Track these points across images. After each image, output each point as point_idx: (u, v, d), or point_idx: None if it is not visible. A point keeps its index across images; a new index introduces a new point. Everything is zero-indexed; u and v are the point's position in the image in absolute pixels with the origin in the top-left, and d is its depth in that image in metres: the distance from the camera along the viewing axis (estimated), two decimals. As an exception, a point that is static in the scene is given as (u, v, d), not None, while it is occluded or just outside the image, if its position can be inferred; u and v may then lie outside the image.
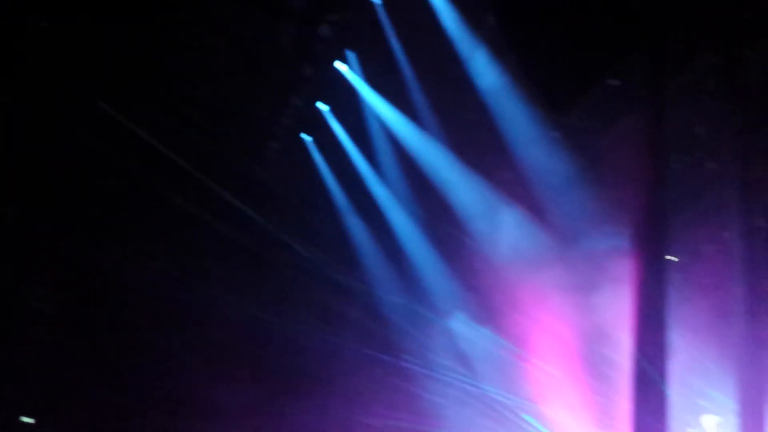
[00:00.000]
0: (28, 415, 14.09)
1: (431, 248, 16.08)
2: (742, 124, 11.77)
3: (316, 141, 16.93)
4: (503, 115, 13.96)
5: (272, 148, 16.87)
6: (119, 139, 13.76)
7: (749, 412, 10.52)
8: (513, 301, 14.14)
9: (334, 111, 16.65)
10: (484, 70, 13.86)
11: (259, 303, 14.71)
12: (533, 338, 14.02)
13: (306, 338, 14.82)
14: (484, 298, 14.90)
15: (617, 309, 11.52)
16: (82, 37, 12.90)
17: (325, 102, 16.56)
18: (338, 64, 15.89)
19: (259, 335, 14.64)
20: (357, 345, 15.69)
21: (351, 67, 16.00)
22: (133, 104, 13.91)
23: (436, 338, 15.69)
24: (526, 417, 14.00)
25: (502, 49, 13.39)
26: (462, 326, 15.56)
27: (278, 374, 14.68)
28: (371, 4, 14.82)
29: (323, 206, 16.33)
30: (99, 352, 13.99)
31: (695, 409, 11.29)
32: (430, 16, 14.40)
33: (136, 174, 14.18)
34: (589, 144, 13.83)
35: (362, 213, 16.55)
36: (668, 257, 11.42)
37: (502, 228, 14.89)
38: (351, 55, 15.91)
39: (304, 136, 16.89)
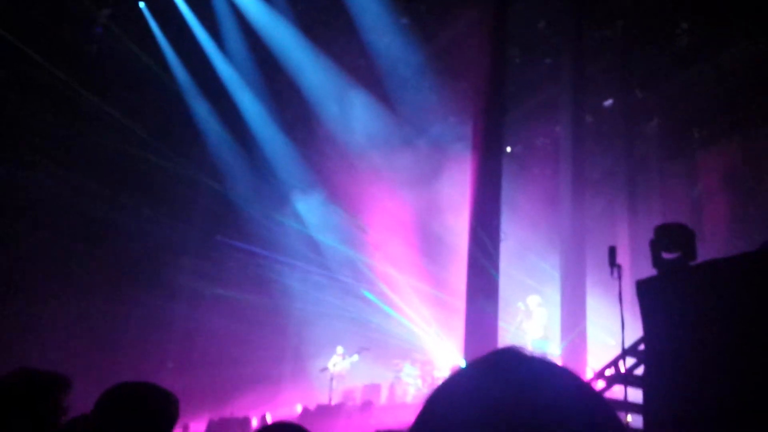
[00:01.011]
0: None
1: (279, 130, 15.99)
2: (580, 23, 12.54)
3: (154, 10, 15.69)
4: (354, -3, 13.78)
5: (104, 15, 15.49)
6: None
7: (569, 279, 12.06)
8: (360, 184, 14.66)
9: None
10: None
11: (99, 189, 14.08)
12: (379, 220, 14.71)
13: (151, 223, 14.50)
14: (332, 180, 15.28)
15: (456, 194, 12.36)
16: None
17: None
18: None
19: (103, 221, 14.11)
20: (205, 231, 15.64)
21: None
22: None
23: (285, 221, 16.01)
24: (367, 294, 14.92)
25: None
26: (310, 208, 15.96)
27: (123, 260, 14.35)
28: None
29: (163, 84, 15.48)
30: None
31: (523, 286, 12.58)
32: None
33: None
34: (435, 34, 14.12)
35: (206, 92, 15.94)
36: (505, 148, 12.30)
37: (351, 113, 15.11)
38: None
39: (140, 3, 15.59)
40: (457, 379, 0.75)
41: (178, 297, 15.45)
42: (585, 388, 0.73)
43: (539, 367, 0.73)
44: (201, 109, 15.96)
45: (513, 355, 0.75)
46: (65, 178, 13.53)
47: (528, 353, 0.75)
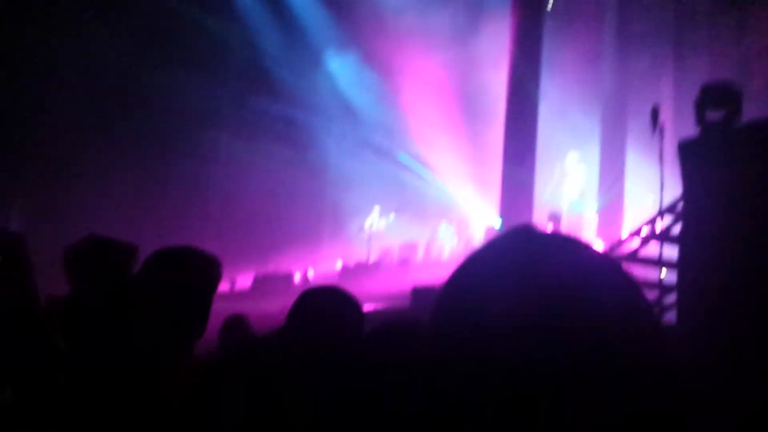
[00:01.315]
0: None
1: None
2: None
3: None
4: None
5: None
6: None
7: (609, 137, 12.12)
8: (394, 43, 14.40)
9: None
10: None
11: (129, 52, 13.97)
12: (414, 80, 14.54)
13: (184, 86, 14.48)
14: (365, 40, 15.02)
15: (495, 52, 12.14)
16: None
17: None
18: None
19: (135, 85, 14.12)
20: (239, 92, 15.60)
21: None
22: None
23: (320, 83, 15.93)
24: (403, 156, 15.05)
25: None
26: (344, 69, 15.81)
27: (158, 123, 14.41)
28: None
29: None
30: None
31: (562, 146, 12.56)
32: None
33: None
34: None
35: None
36: (546, 2, 11.91)
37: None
38: None
39: None
40: (479, 257, 0.77)
41: (215, 159, 15.70)
42: (607, 263, 0.75)
43: (559, 244, 0.76)
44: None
45: (533, 234, 0.77)
46: (95, 43, 13.45)
47: (548, 232, 0.77)
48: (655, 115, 6.78)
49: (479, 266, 0.76)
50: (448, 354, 0.72)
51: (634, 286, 0.75)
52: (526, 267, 0.72)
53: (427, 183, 14.53)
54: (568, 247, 0.76)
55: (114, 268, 2.68)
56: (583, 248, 0.76)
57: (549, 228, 10.00)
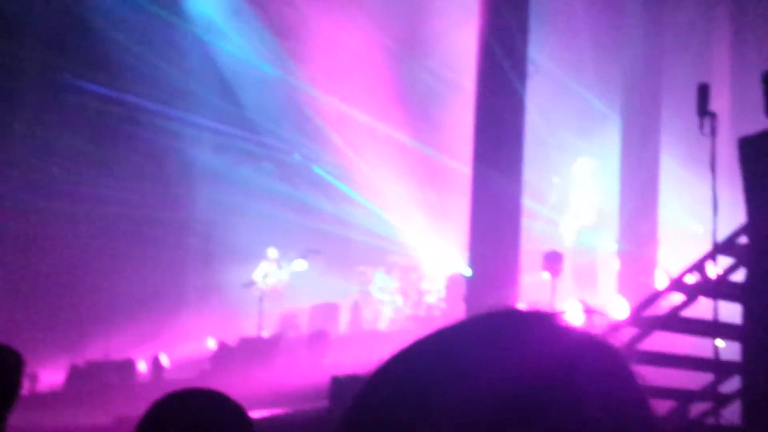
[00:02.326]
0: None
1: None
2: None
3: None
4: None
5: None
6: None
7: (635, 135, 12.52)
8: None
9: None
10: None
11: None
12: (332, 51, 14.82)
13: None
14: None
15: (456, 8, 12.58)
16: None
17: None
18: None
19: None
20: (45, 65, 15.62)
21: None
22: None
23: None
24: (317, 169, 15.26)
25: None
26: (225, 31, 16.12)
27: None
28: None
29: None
30: None
31: (564, 147, 12.96)
32: None
33: None
34: None
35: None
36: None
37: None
38: None
39: None
40: (429, 345, 0.79)
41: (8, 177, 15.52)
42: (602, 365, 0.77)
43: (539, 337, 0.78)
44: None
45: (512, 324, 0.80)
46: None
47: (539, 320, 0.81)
48: (702, 97, 6.98)
49: (426, 357, 0.77)
50: None
51: (637, 393, 0.81)
52: (496, 368, 0.73)
53: (355, 210, 14.69)
54: (549, 339, 0.77)
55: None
56: (572, 341, 0.78)
57: (546, 277, 10.26)
